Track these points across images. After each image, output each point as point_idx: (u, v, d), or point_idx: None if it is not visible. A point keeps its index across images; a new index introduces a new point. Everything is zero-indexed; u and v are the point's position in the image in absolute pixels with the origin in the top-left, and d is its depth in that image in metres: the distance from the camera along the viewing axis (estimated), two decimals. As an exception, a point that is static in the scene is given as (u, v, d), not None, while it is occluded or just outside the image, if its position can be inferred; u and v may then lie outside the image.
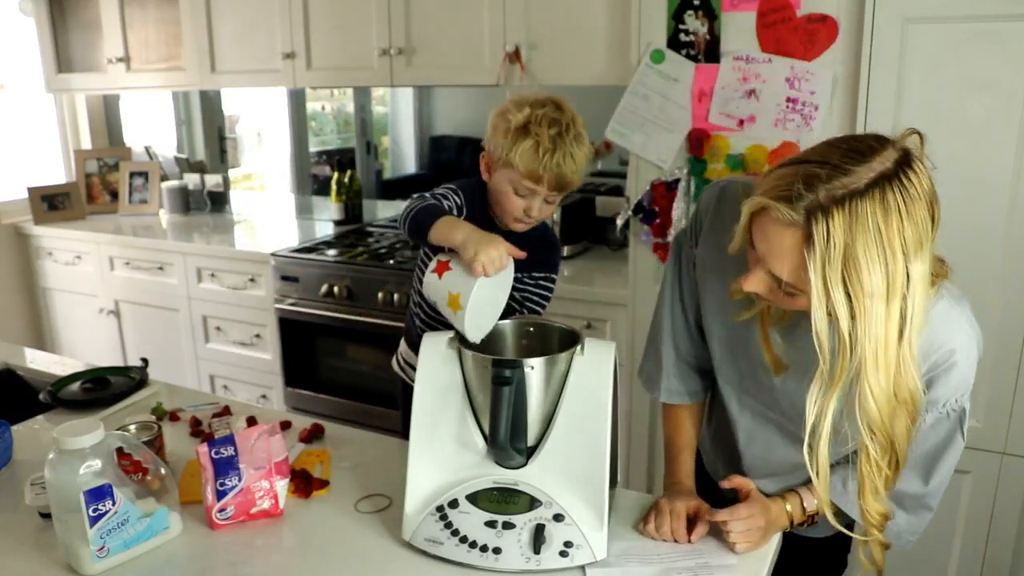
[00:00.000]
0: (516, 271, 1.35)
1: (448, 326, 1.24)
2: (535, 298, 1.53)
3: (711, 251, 1.20)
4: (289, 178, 3.80)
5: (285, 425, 1.55)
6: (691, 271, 1.26)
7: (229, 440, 1.19)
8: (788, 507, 1.21)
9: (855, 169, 0.91)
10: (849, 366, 0.94)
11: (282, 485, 1.22)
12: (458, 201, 1.45)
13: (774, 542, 1.18)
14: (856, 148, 0.94)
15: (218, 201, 3.87)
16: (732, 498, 1.20)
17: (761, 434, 1.27)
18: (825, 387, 0.97)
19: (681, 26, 2.10)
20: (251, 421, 1.55)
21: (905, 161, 0.94)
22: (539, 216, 1.44)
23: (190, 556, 1.16)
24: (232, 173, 3.94)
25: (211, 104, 3.89)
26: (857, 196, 0.90)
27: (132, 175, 3.88)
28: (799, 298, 0.97)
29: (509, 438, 1.10)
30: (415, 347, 1.42)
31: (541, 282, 1.54)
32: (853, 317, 0.92)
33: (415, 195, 1.43)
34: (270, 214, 3.77)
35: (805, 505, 1.22)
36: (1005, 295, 1.88)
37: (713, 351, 1.26)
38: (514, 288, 1.39)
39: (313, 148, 3.71)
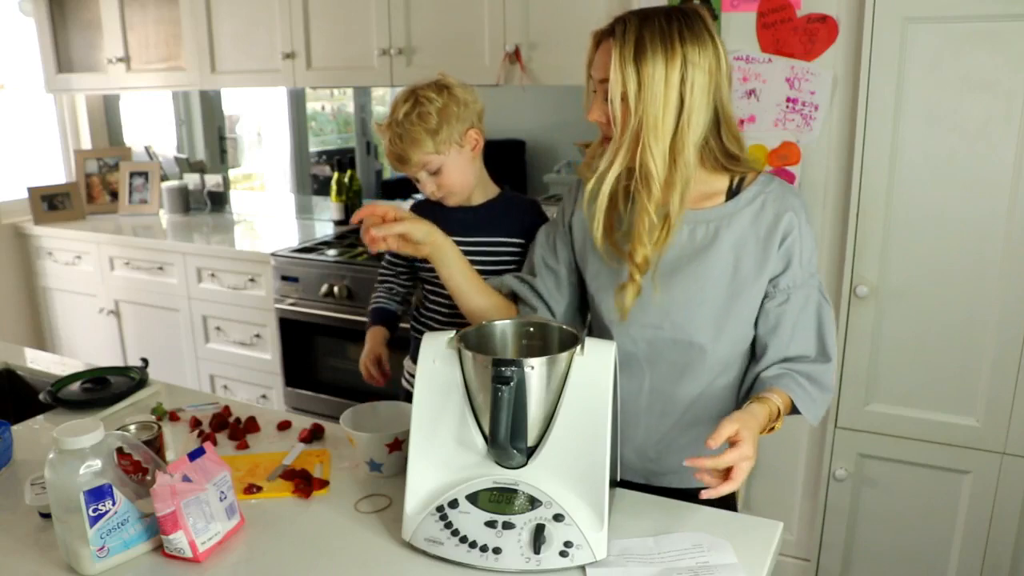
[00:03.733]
0: (486, 236, 1.59)
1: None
2: (510, 260, 1.61)
3: (581, 233, 1.40)
4: (289, 178, 3.80)
5: (285, 425, 1.55)
6: (561, 237, 1.44)
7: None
8: (769, 405, 1.23)
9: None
10: (632, 123, 1.20)
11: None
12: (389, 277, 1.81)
13: (774, 544, 1.17)
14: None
15: (218, 201, 3.87)
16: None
17: (662, 361, 1.34)
18: (614, 149, 1.23)
19: (681, 26, 2.10)
20: (241, 432, 1.55)
21: (689, 5, 1.26)
22: (435, 189, 1.58)
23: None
24: (232, 173, 3.94)
25: (211, 104, 3.89)
26: (651, 10, 1.23)
27: (132, 175, 3.88)
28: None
29: (509, 438, 1.10)
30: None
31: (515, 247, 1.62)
32: (640, 88, 1.19)
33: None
34: (270, 214, 3.77)
35: (780, 405, 1.26)
36: (1005, 295, 1.88)
37: (606, 309, 1.36)
38: (489, 254, 1.59)
39: (313, 148, 3.71)
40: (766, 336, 1.33)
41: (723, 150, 1.28)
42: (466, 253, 1.42)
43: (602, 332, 1.39)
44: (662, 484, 1.42)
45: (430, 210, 1.58)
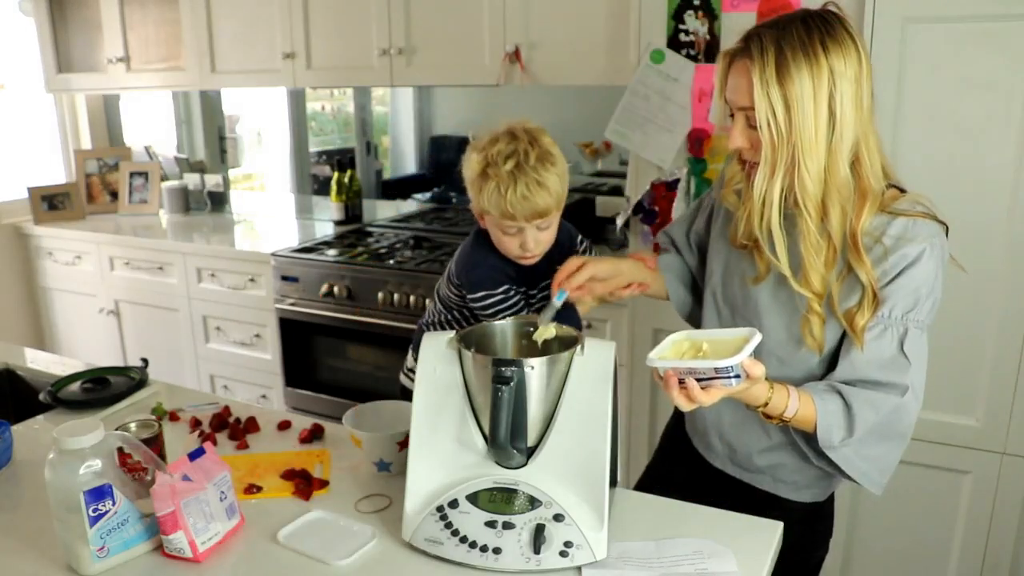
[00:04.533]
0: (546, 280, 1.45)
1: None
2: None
3: (719, 224, 1.39)
4: (289, 178, 3.80)
5: (285, 425, 1.55)
6: (707, 214, 1.47)
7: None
8: (771, 391, 1.16)
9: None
10: (786, 151, 1.12)
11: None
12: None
13: (774, 545, 1.17)
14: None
15: (218, 201, 3.87)
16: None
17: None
18: (767, 175, 1.15)
19: (681, 26, 2.10)
20: (241, 432, 1.55)
21: (825, 8, 1.17)
22: (538, 248, 1.41)
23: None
24: (232, 173, 3.94)
25: (211, 104, 3.89)
26: (784, 19, 1.14)
27: (132, 175, 3.88)
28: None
29: (509, 438, 1.10)
30: None
31: None
32: (788, 110, 1.11)
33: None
34: (270, 214, 3.77)
35: (789, 403, 1.17)
36: (1005, 295, 1.88)
37: (714, 286, 1.38)
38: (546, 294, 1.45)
39: (313, 148, 3.71)
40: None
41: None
42: (542, 301, 1.40)
43: None
44: (752, 483, 1.40)
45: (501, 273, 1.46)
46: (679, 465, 1.53)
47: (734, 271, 1.36)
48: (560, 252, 1.47)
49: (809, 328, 1.22)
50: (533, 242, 1.40)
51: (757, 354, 1.12)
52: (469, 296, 1.46)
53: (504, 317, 1.37)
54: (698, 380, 1.08)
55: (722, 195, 1.36)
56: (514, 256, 1.43)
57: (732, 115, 1.20)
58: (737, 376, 1.07)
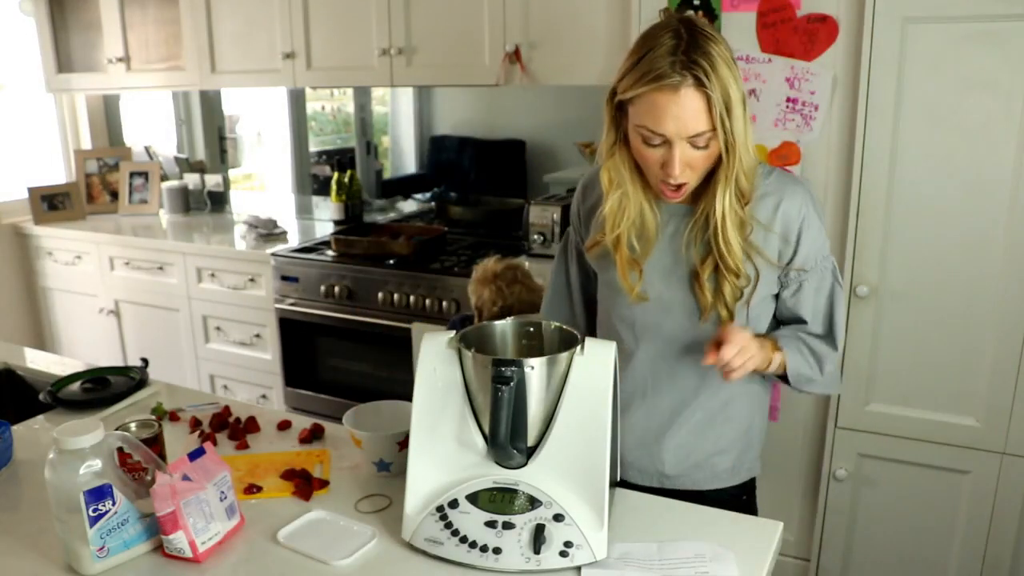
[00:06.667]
0: None
1: None
2: None
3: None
4: (289, 178, 3.80)
5: (285, 425, 1.55)
6: (577, 258, 1.51)
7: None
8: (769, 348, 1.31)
9: (672, 40, 1.17)
10: (736, 157, 1.21)
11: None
12: None
13: (774, 546, 1.17)
14: (651, 32, 1.21)
15: (218, 201, 3.87)
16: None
17: (669, 351, 1.37)
18: (724, 183, 1.24)
19: (681, 26, 2.10)
20: (242, 432, 1.55)
21: (696, 18, 1.24)
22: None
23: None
24: (232, 173, 3.94)
25: (211, 104, 3.89)
26: (694, 40, 1.17)
27: (132, 175, 3.88)
28: (712, 146, 1.21)
29: (509, 438, 1.10)
30: None
31: None
32: (732, 121, 1.18)
33: None
34: (270, 214, 3.77)
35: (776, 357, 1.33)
36: (1005, 295, 1.88)
37: (623, 314, 1.40)
38: None
39: (313, 148, 3.71)
40: (786, 321, 1.39)
41: None
42: None
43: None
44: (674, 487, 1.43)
45: None
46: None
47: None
48: None
49: (703, 302, 1.32)
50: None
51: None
52: None
53: None
54: None
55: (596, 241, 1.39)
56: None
57: (665, 143, 1.21)
58: None
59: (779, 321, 1.41)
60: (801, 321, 1.37)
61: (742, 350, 1.22)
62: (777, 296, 1.37)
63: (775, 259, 1.31)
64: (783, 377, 1.37)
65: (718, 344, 1.22)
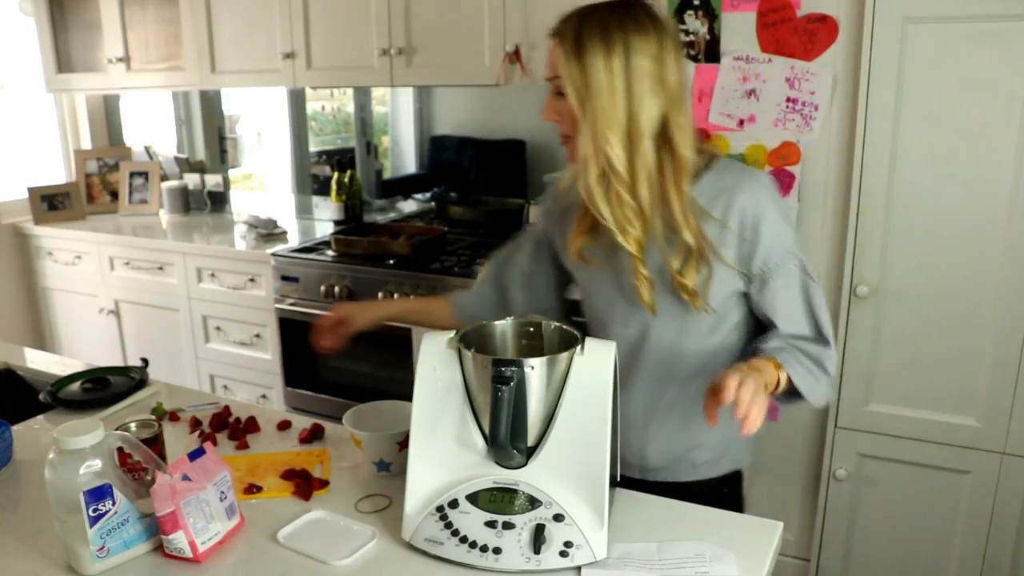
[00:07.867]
0: None
1: None
2: None
3: (558, 230, 1.47)
4: (289, 178, 3.80)
5: (285, 425, 1.55)
6: (544, 243, 1.55)
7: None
8: (767, 365, 1.22)
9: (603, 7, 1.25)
10: (584, 114, 1.23)
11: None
12: None
13: (774, 545, 1.17)
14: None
15: (218, 201, 3.87)
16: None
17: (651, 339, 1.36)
18: (576, 141, 1.26)
19: (681, 26, 2.10)
20: (242, 432, 1.55)
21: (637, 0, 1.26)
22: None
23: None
24: (232, 173, 3.94)
25: (211, 104, 3.89)
26: (595, 6, 1.25)
27: (132, 175, 3.88)
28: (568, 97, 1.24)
29: (509, 438, 1.10)
30: None
31: None
32: (585, 79, 1.21)
33: None
34: (270, 214, 3.77)
35: (778, 376, 1.24)
36: (1005, 295, 1.88)
37: (595, 294, 1.42)
38: None
39: (313, 148, 3.71)
40: (765, 323, 1.34)
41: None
42: None
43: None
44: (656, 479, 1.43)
45: None
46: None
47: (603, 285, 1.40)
48: None
49: (639, 291, 1.30)
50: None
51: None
52: None
53: None
54: None
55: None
56: None
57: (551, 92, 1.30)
58: None
59: (760, 324, 1.36)
60: (774, 324, 1.31)
61: (743, 381, 1.11)
62: (747, 295, 1.33)
63: (733, 257, 1.28)
64: (795, 393, 1.28)
65: (715, 392, 1.13)
